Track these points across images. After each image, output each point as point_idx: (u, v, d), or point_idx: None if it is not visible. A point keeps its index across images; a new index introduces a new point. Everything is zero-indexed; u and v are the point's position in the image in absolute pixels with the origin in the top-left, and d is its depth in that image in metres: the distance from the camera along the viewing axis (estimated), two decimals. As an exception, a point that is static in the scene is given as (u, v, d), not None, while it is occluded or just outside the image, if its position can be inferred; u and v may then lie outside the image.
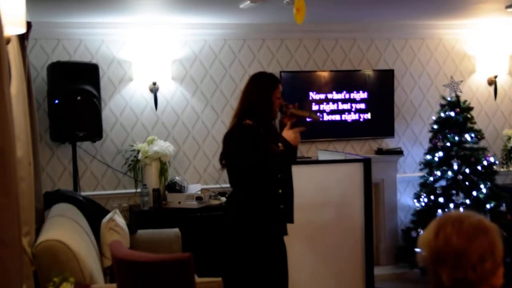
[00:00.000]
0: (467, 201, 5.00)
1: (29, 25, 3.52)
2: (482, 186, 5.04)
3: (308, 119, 3.48)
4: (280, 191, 3.25)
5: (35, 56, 4.84)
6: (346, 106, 5.50)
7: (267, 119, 3.29)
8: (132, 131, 5.13)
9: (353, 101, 5.51)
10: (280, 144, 3.23)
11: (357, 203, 4.11)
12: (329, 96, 5.46)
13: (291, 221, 3.32)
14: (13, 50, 2.98)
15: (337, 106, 5.48)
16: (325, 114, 5.44)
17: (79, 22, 4.88)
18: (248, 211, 3.23)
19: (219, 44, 5.30)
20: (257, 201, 3.22)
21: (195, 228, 4.69)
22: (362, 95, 5.52)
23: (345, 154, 4.71)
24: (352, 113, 5.51)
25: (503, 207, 5.05)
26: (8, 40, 2.63)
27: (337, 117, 5.48)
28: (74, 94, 4.53)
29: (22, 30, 2.71)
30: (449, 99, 5.23)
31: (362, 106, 5.53)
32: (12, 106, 2.16)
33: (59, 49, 4.94)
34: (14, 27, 2.61)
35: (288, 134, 3.22)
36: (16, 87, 2.97)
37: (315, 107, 5.41)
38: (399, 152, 5.60)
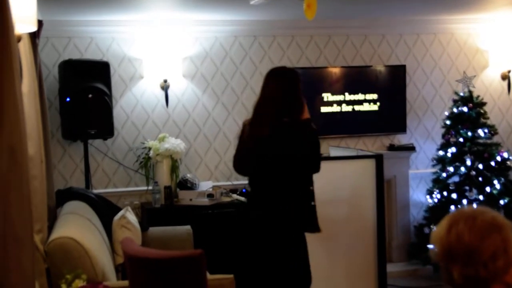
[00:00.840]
0: (481, 197, 4.97)
1: (40, 23, 3.54)
2: (495, 182, 5.00)
3: None
4: (311, 188, 3.34)
5: (46, 54, 4.87)
6: (358, 103, 5.47)
7: (300, 113, 3.32)
8: (143, 128, 5.15)
9: (365, 97, 5.48)
10: None
11: (369, 199, 4.10)
12: (341, 92, 5.44)
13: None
14: (24, 48, 3.00)
15: (349, 103, 5.46)
16: (337, 110, 5.43)
17: (90, 20, 4.89)
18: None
19: (229, 41, 5.30)
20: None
21: (207, 225, 4.70)
22: (374, 91, 5.49)
23: (357, 151, 4.69)
24: (363, 109, 5.49)
25: (517, 203, 5.01)
26: (19, 38, 2.64)
27: (349, 114, 5.45)
28: (85, 92, 4.55)
29: (33, 28, 2.72)
30: (461, 94, 5.19)
31: (374, 102, 5.50)
32: (23, 105, 2.17)
33: (70, 47, 4.97)
34: (25, 25, 2.62)
35: None
36: (27, 85, 2.99)
37: (328, 106, 5.40)
38: (411, 148, 5.57)
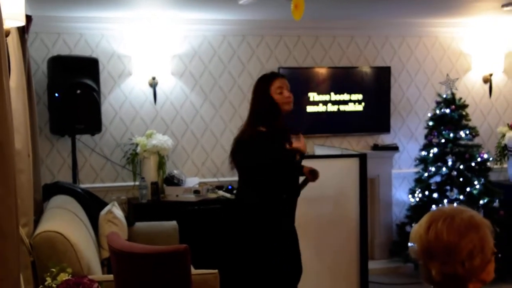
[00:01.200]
0: (461, 197, 5.05)
1: (29, 18, 3.56)
2: (476, 182, 5.09)
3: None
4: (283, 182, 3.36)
5: (35, 49, 4.88)
6: (343, 103, 5.54)
7: (274, 117, 3.34)
8: (131, 125, 5.17)
9: (350, 97, 5.55)
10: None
11: (352, 197, 4.16)
12: (327, 92, 5.51)
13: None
14: (12, 43, 3.01)
15: (334, 103, 5.53)
16: (323, 110, 5.49)
17: (79, 17, 4.91)
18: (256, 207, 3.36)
19: (218, 40, 5.34)
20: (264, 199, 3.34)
21: (193, 221, 4.74)
22: (359, 91, 5.56)
23: (341, 150, 4.76)
24: (349, 109, 5.56)
25: (496, 203, 5.10)
26: (7, 33, 2.66)
27: (334, 114, 5.52)
28: (74, 87, 4.57)
29: (21, 23, 2.74)
30: (444, 96, 5.27)
31: (359, 102, 5.57)
32: (11, 99, 2.19)
33: (60, 43, 4.98)
34: (13, 20, 2.64)
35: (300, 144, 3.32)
36: (15, 80, 3.00)
37: (313, 106, 5.47)
38: (394, 148, 5.65)
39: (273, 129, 3.34)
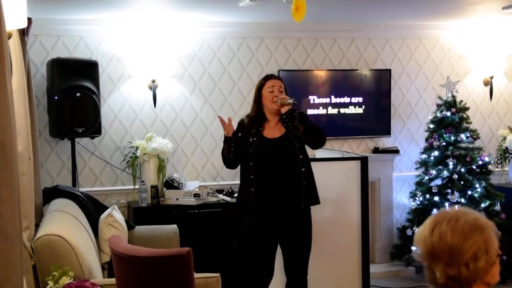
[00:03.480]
0: (462, 200, 5.05)
1: (29, 21, 3.54)
2: (477, 185, 5.08)
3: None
4: (251, 176, 3.52)
5: (34, 52, 4.86)
6: (343, 106, 5.53)
7: (260, 111, 3.63)
8: (131, 128, 5.16)
9: (350, 100, 5.54)
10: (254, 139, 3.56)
11: (354, 201, 4.14)
12: (327, 95, 5.50)
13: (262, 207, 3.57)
14: (14, 45, 3.00)
15: (334, 106, 5.52)
16: (323, 113, 5.48)
17: (79, 19, 4.89)
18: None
19: (218, 42, 5.33)
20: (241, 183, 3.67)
21: (193, 224, 4.72)
22: (359, 94, 5.56)
23: (342, 153, 4.74)
24: (349, 112, 5.55)
25: (498, 206, 5.09)
26: (9, 35, 2.65)
27: (334, 117, 5.52)
28: (73, 90, 4.55)
29: (23, 24, 2.73)
30: (445, 99, 5.27)
31: (359, 105, 5.57)
32: (13, 101, 2.18)
33: (59, 45, 4.96)
34: (15, 22, 2.63)
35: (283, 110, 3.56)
36: (16, 82, 2.99)
37: (314, 109, 5.46)
38: (395, 151, 5.64)
39: (255, 116, 3.63)
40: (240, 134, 3.60)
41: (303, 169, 3.55)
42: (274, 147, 3.56)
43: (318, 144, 3.64)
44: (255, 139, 3.56)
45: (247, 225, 3.60)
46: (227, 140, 3.60)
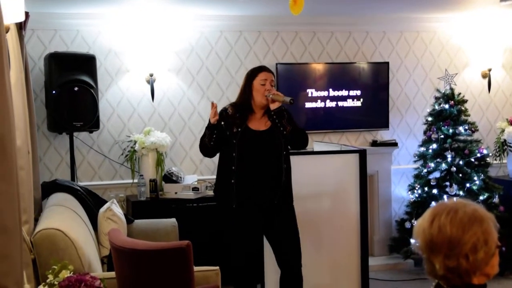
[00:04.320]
0: (461, 193, 5.06)
1: (27, 15, 3.53)
2: (475, 178, 5.09)
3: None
4: (233, 167, 3.46)
5: (32, 46, 4.85)
6: (341, 99, 5.53)
7: (248, 103, 3.56)
8: (129, 122, 5.15)
9: (348, 93, 5.54)
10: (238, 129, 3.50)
11: (352, 194, 4.14)
12: (325, 88, 5.50)
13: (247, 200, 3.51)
14: (11, 39, 3.00)
15: (332, 99, 5.52)
16: (321, 106, 5.49)
17: (76, 13, 4.88)
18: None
19: (215, 36, 5.32)
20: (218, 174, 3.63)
21: (192, 218, 4.73)
22: (357, 87, 5.56)
23: (340, 146, 4.75)
24: (347, 105, 5.55)
25: (496, 199, 5.10)
26: (7, 29, 2.64)
27: (332, 110, 5.52)
28: (71, 84, 4.54)
29: (21, 18, 2.73)
30: (443, 91, 5.27)
31: (357, 98, 5.57)
32: (12, 95, 2.17)
33: (56, 39, 4.95)
34: (13, 15, 2.62)
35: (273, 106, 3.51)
36: (14, 76, 2.99)
37: (312, 102, 5.46)
38: (393, 144, 5.65)
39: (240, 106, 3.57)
40: (222, 123, 3.53)
41: (285, 166, 3.53)
42: (260, 139, 3.51)
43: (301, 145, 3.61)
44: (239, 129, 3.50)
45: (229, 220, 3.54)
46: (211, 126, 3.51)
